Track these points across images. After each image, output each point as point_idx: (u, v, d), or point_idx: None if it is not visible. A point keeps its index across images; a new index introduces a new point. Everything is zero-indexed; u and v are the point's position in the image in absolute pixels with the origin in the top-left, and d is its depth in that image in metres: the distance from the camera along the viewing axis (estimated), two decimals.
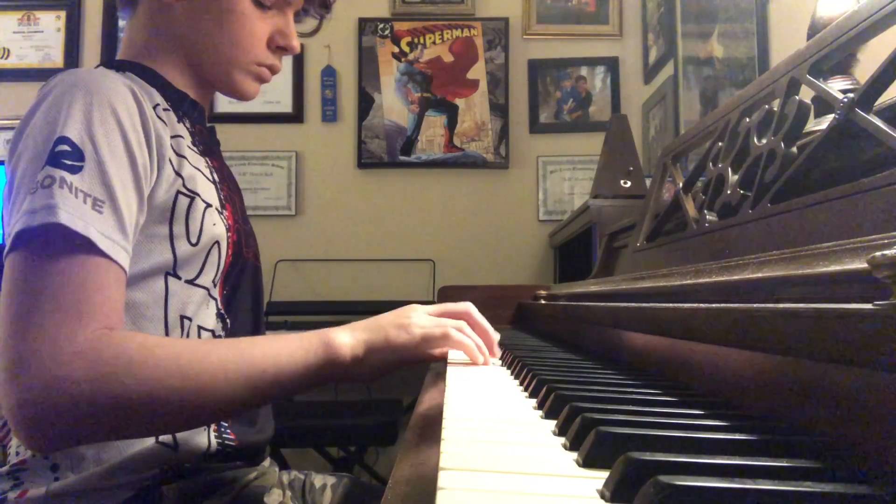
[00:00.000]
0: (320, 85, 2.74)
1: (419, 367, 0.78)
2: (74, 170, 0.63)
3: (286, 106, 2.73)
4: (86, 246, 0.61)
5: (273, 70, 0.88)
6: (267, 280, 2.60)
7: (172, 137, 0.76)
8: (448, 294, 1.75)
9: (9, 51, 2.79)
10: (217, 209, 0.79)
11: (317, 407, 2.25)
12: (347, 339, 0.68)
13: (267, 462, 0.88)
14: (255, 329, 0.89)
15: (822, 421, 0.36)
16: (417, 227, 2.70)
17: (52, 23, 2.80)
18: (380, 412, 2.09)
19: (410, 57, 2.75)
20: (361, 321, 0.72)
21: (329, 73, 2.74)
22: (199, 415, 0.64)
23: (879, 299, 0.29)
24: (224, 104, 2.72)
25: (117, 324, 0.63)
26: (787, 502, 0.26)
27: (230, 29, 0.81)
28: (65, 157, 0.63)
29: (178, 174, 0.74)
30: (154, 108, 0.76)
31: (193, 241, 0.75)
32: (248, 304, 0.87)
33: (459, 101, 2.73)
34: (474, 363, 0.75)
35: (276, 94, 2.73)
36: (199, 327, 0.78)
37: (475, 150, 2.71)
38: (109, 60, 0.83)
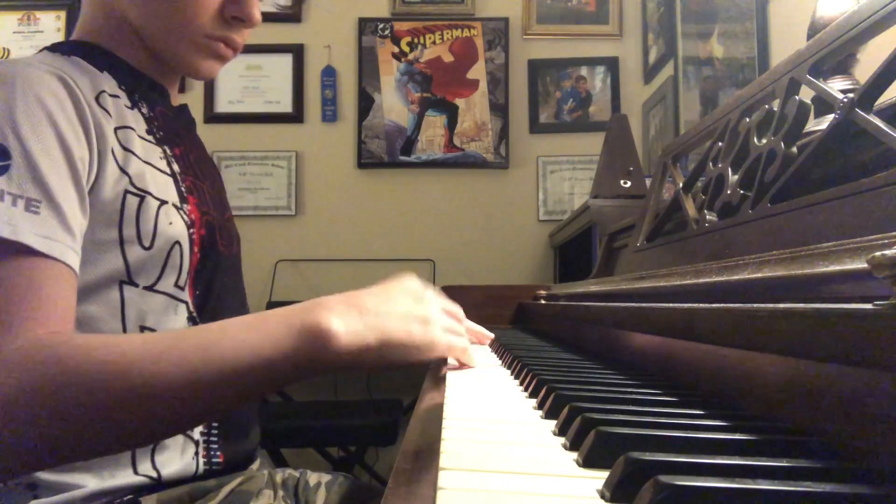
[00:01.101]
0: (320, 85, 2.74)
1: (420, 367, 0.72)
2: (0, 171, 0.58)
3: (286, 106, 2.73)
4: (17, 250, 0.56)
5: (230, 44, 0.78)
6: (267, 280, 2.61)
7: (119, 129, 0.70)
8: (448, 294, 1.75)
9: (9, 51, 2.79)
10: (174, 205, 0.72)
11: (317, 407, 2.25)
12: (346, 324, 0.56)
13: (255, 465, 0.84)
14: None
15: (822, 421, 0.36)
16: (417, 227, 2.70)
17: (52, 23, 2.80)
18: (380, 412, 2.09)
19: (410, 57, 2.75)
20: (363, 297, 0.60)
21: (329, 73, 2.74)
22: (154, 425, 0.55)
23: (879, 299, 0.29)
24: (224, 104, 2.72)
25: (62, 325, 0.57)
26: (787, 502, 0.26)
27: None
28: None
29: (123, 171, 0.68)
30: (98, 95, 0.69)
31: (146, 244, 0.69)
32: (229, 302, 0.80)
33: (459, 101, 2.73)
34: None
35: (276, 94, 2.73)
36: None
37: (475, 150, 2.71)
38: (56, 43, 0.76)
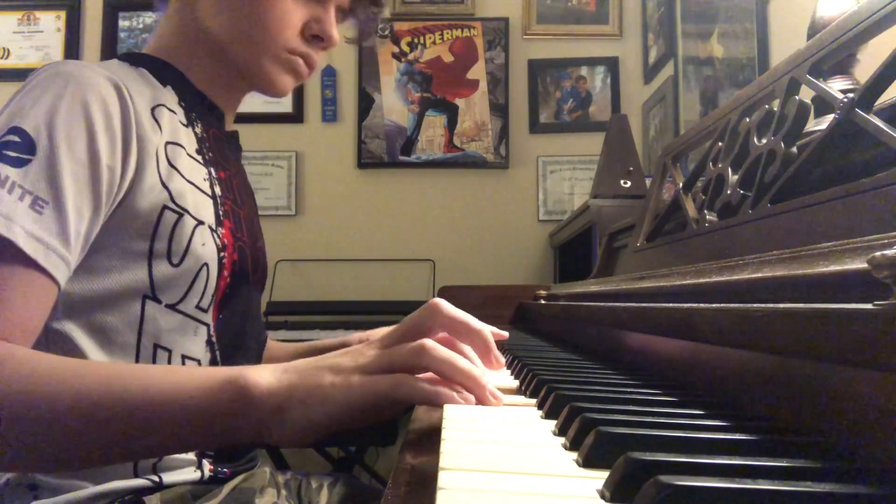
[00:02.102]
0: (320, 85, 2.74)
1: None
2: (18, 163, 0.58)
3: (286, 106, 2.73)
4: (5, 246, 0.55)
5: (308, 62, 0.82)
6: (267, 280, 2.60)
7: (169, 144, 0.71)
8: (448, 294, 1.75)
9: (9, 51, 2.79)
10: (210, 226, 0.72)
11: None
12: (265, 378, 0.51)
13: (257, 462, 0.85)
14: (259, 358, 0.85)
15: (822, 421, 0.36)
16: (417, 227, 2.70)
17: (52, 23, 2.80)
18: None
19: (410, 57, 2.75)
20: (305, 359, 0.53)
21: (329, 73, 2.74)
22: (55, 451, 0.52)
23: (879, 299, 0.29)
24: None
25: (17, 337, 0.56)
26: (787, 502, 0.26)
27: (258, 11, 0.76)
28: (10, 147, 0.58)
29: (164, 186, 0.68)
30: (153, 108, 0.71)
31: (175, 261, 0.68)
32: (250, 329, 0.81)
33: (459, 101, 2.73)
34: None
35: None
36: (184, 356, 0.71)
37: (475, 150, 2.71)
38: (129, 53, 0.79)
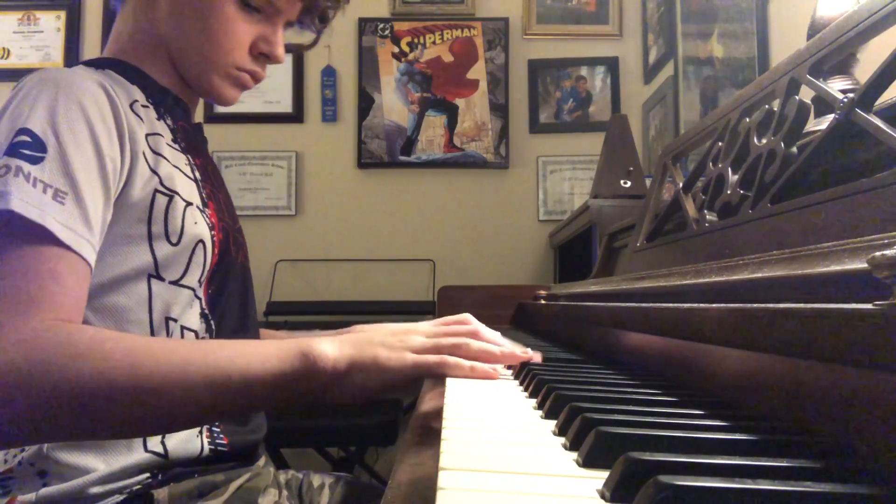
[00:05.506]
0: (320, 85, 2.74)
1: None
2: (34, 160, 0.62)
3: (286, 106, 2.73)
4: (41, 235, 0.60)
5: (255, 77, 0.86)
6: (267, 280, 2.60)
7: (150, 135, 0.75)
8: (448, 294, 1.75)
9: (9, 51, 2.79)
10: (198, 207, 0.78)
11: (317, 407, 2.25)
12: (331, 350, 0.60)
13: (262, 462, 0.87)
14: (244, 330, 0.87)
15: (822, 421, 0.36)
16: (417, 227, 2.70)
17: (52, 23, 2.80)
18: (380, 412, 2.09)
19: (410, 57, 2.75)
20: (352, 335, 0.65)
21: (329, 73, 2.74)
22: (154, 419, 0.59)
23: (879, 299, 0.29)
24: None
25: (74, 317, 0.61)
26: (787, 502, 0.26)
27: (211, 29, 0.80)
28: (24, 147, 0.63)
29: (154, 172, 0.73)
30: (131, 104, 0.75)
31: (174, 241, 0.73)
32: (235, 305, 0.85)
33: (459, 101, 2.73)
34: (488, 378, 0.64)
35: (276, 94, 2.73)
36: (183, 327, 0.76)
37: (475, 150, 2.71)
38: (90, 60, 0.82)
